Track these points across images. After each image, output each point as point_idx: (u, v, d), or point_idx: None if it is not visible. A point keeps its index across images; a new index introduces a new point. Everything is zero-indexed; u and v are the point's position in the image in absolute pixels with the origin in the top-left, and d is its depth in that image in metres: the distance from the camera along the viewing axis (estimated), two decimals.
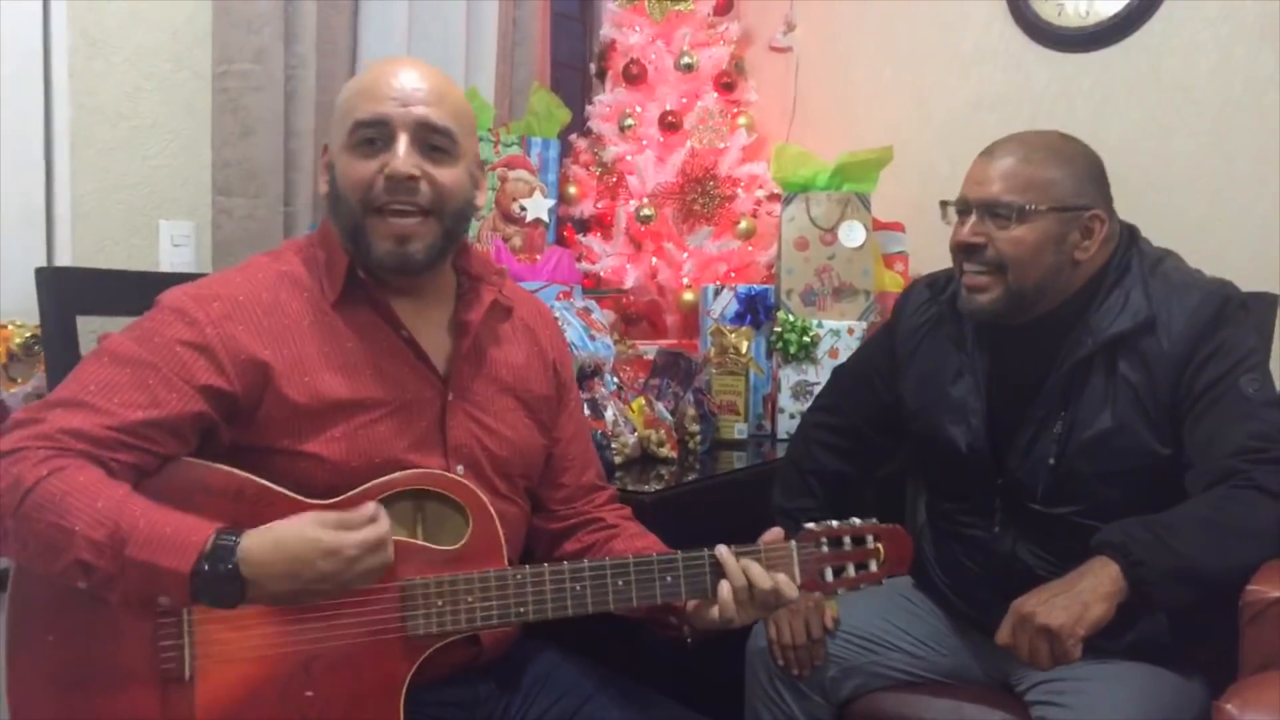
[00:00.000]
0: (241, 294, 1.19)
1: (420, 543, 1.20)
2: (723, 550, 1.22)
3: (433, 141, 1.21)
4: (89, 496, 1.03)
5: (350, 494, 1.18)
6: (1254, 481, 1.33)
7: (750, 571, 1.21)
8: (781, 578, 1.22)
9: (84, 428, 1.08)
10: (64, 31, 1.74)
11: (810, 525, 1.28)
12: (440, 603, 1.17)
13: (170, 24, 1.87)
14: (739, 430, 2.13)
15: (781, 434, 2.18)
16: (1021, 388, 1.51)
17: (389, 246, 1.20)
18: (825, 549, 1.27)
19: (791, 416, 2.18)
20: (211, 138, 1.91)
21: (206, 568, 1.02)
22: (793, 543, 1.26)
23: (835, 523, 1.28)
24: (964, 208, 1.50)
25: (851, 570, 1.27)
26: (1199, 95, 2.22)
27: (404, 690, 1.16)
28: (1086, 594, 1.25)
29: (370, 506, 1.10)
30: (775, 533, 1.27)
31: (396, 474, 1.20)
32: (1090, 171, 1.48)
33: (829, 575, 1.27)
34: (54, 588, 1.09)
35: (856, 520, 1.29)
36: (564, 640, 1.41)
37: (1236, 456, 1.34)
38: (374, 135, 1.19)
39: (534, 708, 1.32)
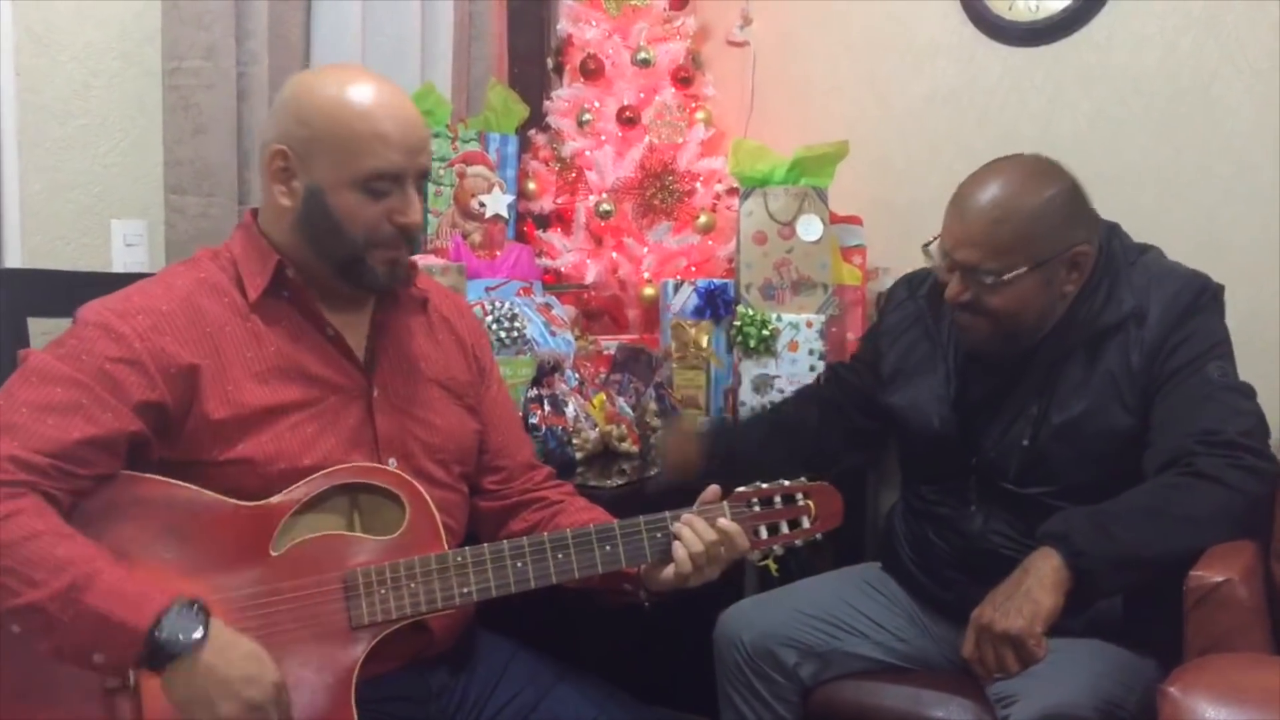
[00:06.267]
0: (164, 304, 1.19)
1: (358, 534, 1.20)
2: (676, 519, 1.27)
3: (420, 185, 1.27)
4: (48, 544, 1.04)
5: (280, 496, 1.18)
6: (1197, 468, 1.37)
7: (695, 525, 1.25)
8: (729, 523, 1.27)
9: (23, 456, 1.07)
10: (9, 29, 1.71)
11: (741, 488, 1.31)
12: (383, 590, 1.18)
13: (118, 20, 1.84)
14: (701, 424, 2.14)
15: None
16: (998, 375, 1.56)
17: (385, 270, 1.26)
18: (757, 508, 1.30)
19: (752, 410, 2.19)
20: (163, 136, 1.89)
21: (166, 627, 1.04)
22: (724, 504, 1.29)
23: (764, 484, 1.31)
24: (946, 260, 1.51)
25: (785, 527, 1.31)
26: (1147, 87, 2.26)
27: (354, 680, 1.16)
28: (1035, 590, 1.28)
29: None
30: (712, 491, 1.31)
31: (327, 470, 1.20)
32: (1067, 208, 1.48)
33: (764, 533, 1.30)
34: None
35: (785, 481, 1.32)
36: (522, 633, 1.42)
37: (1190, 437, 1.39)
38: (389, 185, 1.22)
39: (491, 701, 1.32)
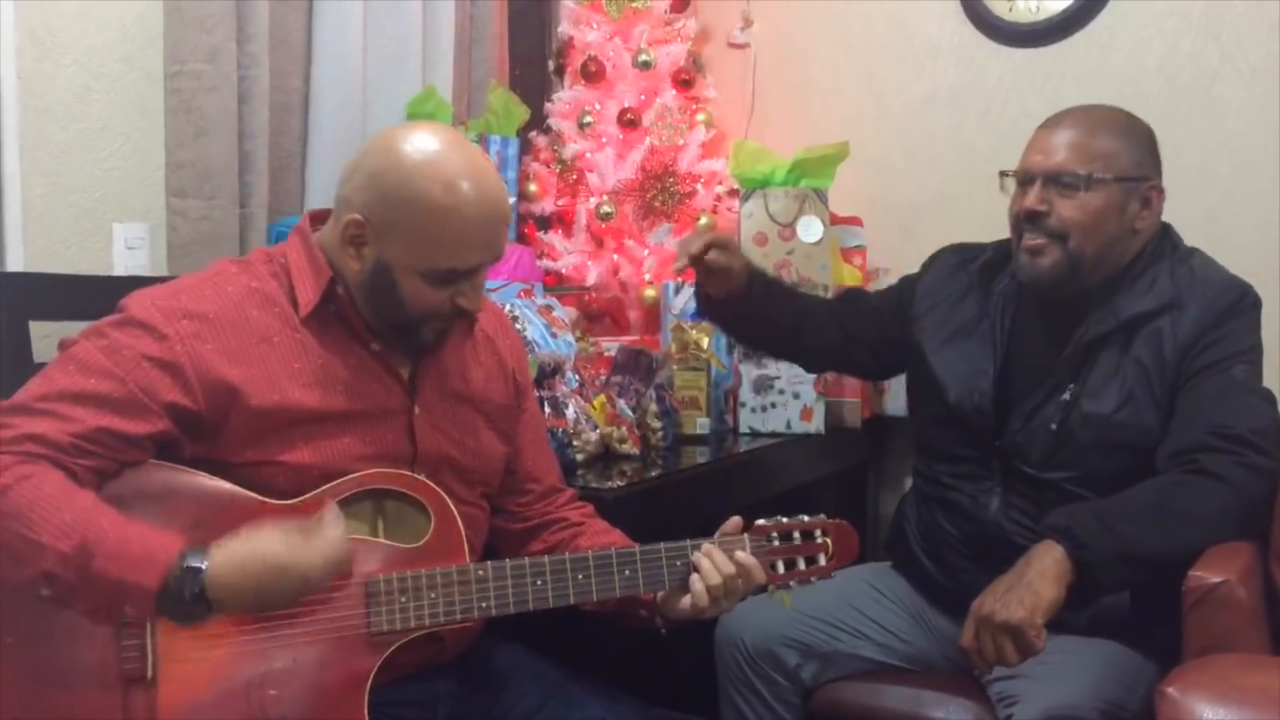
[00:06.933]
0: (212, 310, 1.19)
1: (382, 540, 1.21)
2: (696, 549, 1.28)
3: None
4: (56, 507, 1.04)
5: (310, 495, 1.19)
6: (1202, 466, 1.38)
7: (714, 557, 1.26)
8: (747, 557, 1.27)
9: (48, 434, 1.08)
10: (11, 32, 1.71)
11: (761, 521, 1.32)
12: (404, 599, 1.18)
13: (120, 24, 1.85)
14: (701, 425, 2.14)
15: (743, 428, 2.20)
16: (1036, 357, 1.57)
17: (434, 336, 1.28)
18: (776, 543, 1.32)
19: (753, 410, 2.20)
20: (164, 139, 1.89)
21: (172, 587, 1.04)
22: (745, 536, 1.30)
23: (785, 518, 1.33)
24: (1027, 178, 1.54)
25: (801, 563, 1.32)
26: (1147, 88, 2.26)
27: (368, 687, 1.17)
28: (1036, 581, 1.29)
29: (330, 509, 1.13)
30: (733, 523, 1.32)
31: (357, 474, 1.21)
32: (1148, 144, 1.56)
33: (780, 568, 1.31)
34: (14, 591, 1.09)
35: (805, 516, 1.34)
36: (528, 636, 1.42)
37: (1203, 429, 1.40)
38: (461, 277, 1.22)
39: (498, 705, 1.33)
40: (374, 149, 1.23)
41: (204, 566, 1.05)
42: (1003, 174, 1.59)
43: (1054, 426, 1.51)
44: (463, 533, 1.23)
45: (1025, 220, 1.53)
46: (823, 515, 1.35)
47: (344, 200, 1.23)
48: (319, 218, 1.30)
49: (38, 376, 1.15)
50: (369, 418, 1.25)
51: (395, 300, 1.22)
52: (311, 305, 1.23)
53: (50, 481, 1.06)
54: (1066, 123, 1.54)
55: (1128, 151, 1.52)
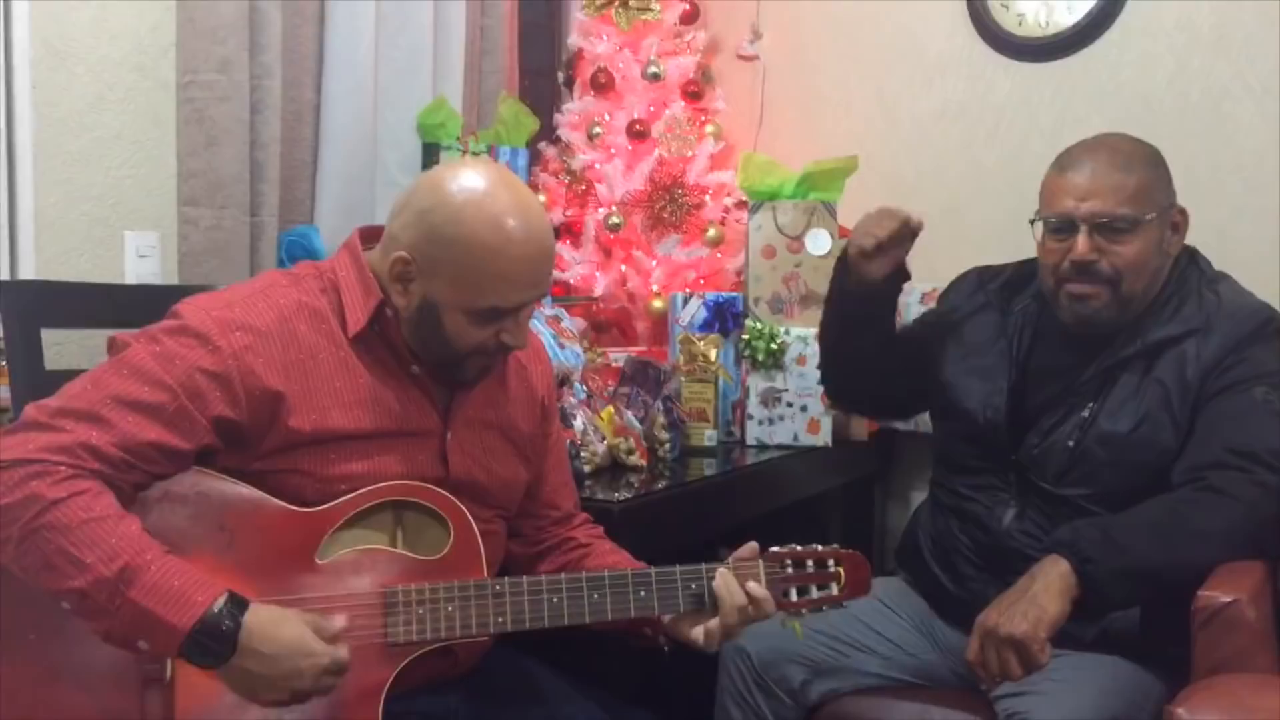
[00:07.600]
0: (263, 324, 1.20)
1: (402, 551, 1.22)
2: (712, 574, 1.28)
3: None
4: (104, 530, 1.05)
5: (333, 503, 1.20)
6: (1213, 483, 1.38)
7: (729, 585, 1.26)
8: (759, 589, 1.27)
9: (100, 446, 1.09)
10: (26, 42, 1.72)
11: (775, 548, 1.32)
12: (421, 610, 1.19)
13: (134, 34, 1.86)
14: (709, 437, 2.14)
15: (751, 440, 2.20)
16: (1057, 376, 1.57)
17: (476, 373, 1.29)
18: (790, 570, 1.32)
19: (760, 423, 2.20)
20: (176, 148, 1.91)
21: (209, 623, 1.05)
22: (760, 561, 1.30)
23: (799, 546, 1.33)
24: (1065, 226, 1.51)
25: (814, 591, 1.32)
26: (1157, 104, 2.26)
27: (383, 697, 1.17)
28: (1041, 595, 1.29)
29: (339, 622, 1.14)
30: (749, 548, 1.32)
31: (379, 484, 1.21)
32: (1165, 168, 1.56)
33: (793, 595, 1.31)
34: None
35: (819, 546, 1.34)
36: (536, 649, 1.42)
37: (1219, 446, 1.41)
38: (505, 315, 1.23)
39: (505, 717, 1.32)
40: (422, 186, 1.23)
41: (243, 616, 1.07)
42: (1033, 221, 1.57)
43: (1071, 443, 1.51)
44: (481, 546, 1.24)
45: (1075, 271, 1.50)
46: (835, 545, 1.35)
47: (392, 236, 1.23)
48: (369, 235, 1.30)
49: (87, 375, 1.15)
50: (404, 439, 1.25)
51: (440, 337, 1.23)
52: (360, 326, 1.23)
53: (101, 503, 1.07)
54: (1098, 160, 1.50)
55: (1159, 182, 1.52)
